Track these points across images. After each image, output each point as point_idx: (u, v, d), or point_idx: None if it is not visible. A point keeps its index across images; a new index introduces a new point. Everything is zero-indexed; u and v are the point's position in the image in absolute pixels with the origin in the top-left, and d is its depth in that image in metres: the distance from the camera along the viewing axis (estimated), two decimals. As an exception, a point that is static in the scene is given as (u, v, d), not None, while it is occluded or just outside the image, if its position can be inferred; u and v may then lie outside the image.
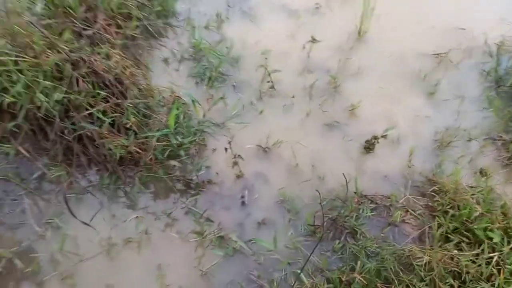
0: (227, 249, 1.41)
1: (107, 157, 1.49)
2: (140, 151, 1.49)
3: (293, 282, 1.35)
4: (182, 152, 1.54)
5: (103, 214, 1.45)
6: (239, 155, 1.63)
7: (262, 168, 1.64)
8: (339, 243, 1.46)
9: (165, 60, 1.93)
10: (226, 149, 1.64)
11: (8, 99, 1.41)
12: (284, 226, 1.49)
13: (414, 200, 1.59)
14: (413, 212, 1.55)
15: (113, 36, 1.75)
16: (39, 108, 1.44)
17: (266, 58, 1.95)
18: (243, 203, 1.53)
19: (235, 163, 1.62)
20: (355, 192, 1.59)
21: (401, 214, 1.55)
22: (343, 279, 1.32)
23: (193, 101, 1.67)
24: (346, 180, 1.45)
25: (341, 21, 2.20)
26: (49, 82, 1.45)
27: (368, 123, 1.82)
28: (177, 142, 1.53)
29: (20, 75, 1.42)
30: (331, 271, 1.38)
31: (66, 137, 1.48)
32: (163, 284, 1.33)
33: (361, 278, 1.30)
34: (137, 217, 1.44)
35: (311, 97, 1.91)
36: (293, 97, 1.89)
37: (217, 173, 1.60)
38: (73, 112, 1.49)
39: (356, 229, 1.48)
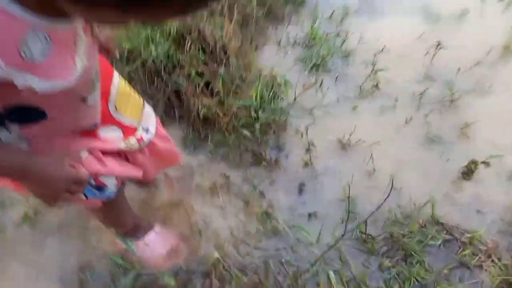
0: (267, 225, 1.38)
1: (193, 115, 1.62)
2: (220, 114, 1.57)
3: (320, 281, 1.25)
4: (257, 125, 1.56)
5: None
6: (313, 143, 1.57)
7: (335, 163, 1.55)
8: (389, 261, 1.28)
9: (278, 42, 1.97)
10: (302, 134, 1.60)
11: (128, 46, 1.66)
12: (335, 225, 1.38)
13: (505, 248, 1.29)
14: (496, 260, 1.26)
15: (233, 11, 1.88)
16: (152, 61, 1.66)
17: (374, 55, 1.82)
18: (301, 190, 1.48)
19: (308, 150, 1.57)
20: (431, 217, 1.38)
21: (480, 258, 1.27)
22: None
23: (285, 82, 1.68)
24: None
25: (488, 30, 1.90)
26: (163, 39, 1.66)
27: (478, 148, 1.54)
28: (255, 115, 1.57)
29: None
30: (367, 287, 1.23)
31: (166, 90, 1.67)
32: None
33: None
34: (202, 171, 1.52)
35: (419, 105, 1.71)
36: (396, 100, 1.72)
37: (287, 156, 1.57)
38: (177, 68, 1.67)
39: (415, 255, 1.28)
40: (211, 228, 1.39)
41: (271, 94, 1.66)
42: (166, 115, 1.69)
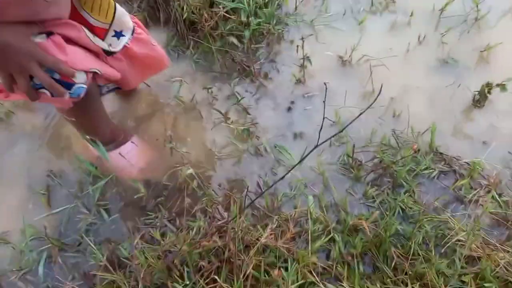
0: (248, 144, 1.27)
1: (177, 16, 1.44)
2: (207, 16, 1.39)
3: (297, 204, 1.15)
4: (247, 33, 1.38)
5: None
6: (309, 58, 1.39)
7: (331, 81, 1.38)
8: (375, 190, 1.17)
9: None
10: (298, 47, 1.42)
11: None
12: (322, 148, 1.25)
13: (509, 184, 1.15)
14: (497, 196, 1.13)
15: None
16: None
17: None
18: (289, 109, 1.34)
19: (302, 66, 1.40)
20: (429, 146, 1.23)
21: (478, 192, 1.14)
22: (351, 222, 1.06)
23: (285, -15, 1.47)
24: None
25: None
26: None
27: (497, 73, 1.33)
28: (245, 20, 1.38)
29: None
30: (347, 214, 1.13)
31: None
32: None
33: (367, 226, 1.02)
34: (181, 80, 1.38)
35: (437, 23, 1.49)
36: (411, 15, 1.50)
37: (278, 71, 1.41)
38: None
39: (405, 184, 1.16)
40: (187, 143, 1.29)
41: (270, 1, 1.46)
42: (150, 18, 1.52)
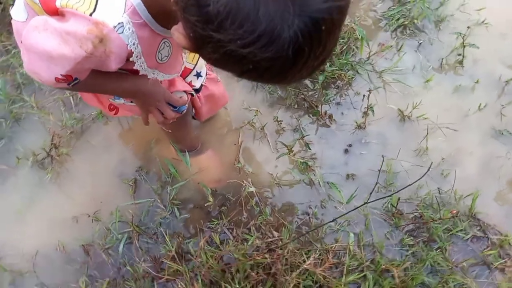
0: (305, 176, 1.46)
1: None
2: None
3: (339, 237, 1.33)
4: (321, 77, 1.57)
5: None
6: (372, 108, 1.55)
7: (388, 133, 1.53)
8: (411, 240, 1.31)
9: (369, -7, 1.86)
10: (364, 96, 1.58)
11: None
12: (368, 192, 1.41)
13: (538, 260, 1.25)
14: (522, 269, 1.24)
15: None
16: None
17: (469, 27, 1.66)
18: (346, 151, 1.51)
19: (365, 114, 1.56)
20: (469, 210, 1.35)
21: (505, 262, 1.25)
22: (383, 266, 1.22)
23: (362, 37, 1.63)
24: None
25: None
26: None
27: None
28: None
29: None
30: (382, 256, 1.29)
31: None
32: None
33: (397, 273, 1.18)
34: (257, 110, 1.59)
35: (500, 93, 1.58)
36: (476, 82, 1.60)
37: (342, 113, 1.58)
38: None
39: (439, 241, 1.30)
40: (253, 165, 1.50)
41: (344, 47, 1.63)
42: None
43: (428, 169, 0.98)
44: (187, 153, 1.42)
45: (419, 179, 1.01)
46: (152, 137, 1.57)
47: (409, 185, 0.99)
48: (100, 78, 0.80)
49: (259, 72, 0.50)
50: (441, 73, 1.64)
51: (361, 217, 1.38)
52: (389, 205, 1.38)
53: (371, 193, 1.02)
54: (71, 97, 1.69)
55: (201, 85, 1.20)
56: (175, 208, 1.43)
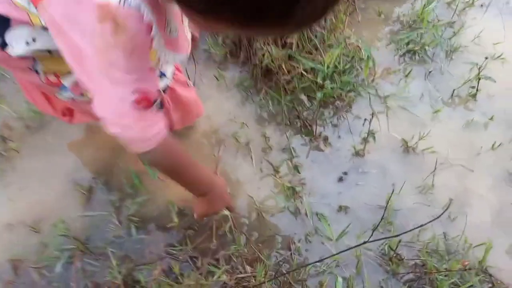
0: (290, 203, 1.24)
1: (256, 60, 1.47)
2: (284, 69, 1.41)
3: (325, 282, 1.09)
4: (319, 94, 1.38)
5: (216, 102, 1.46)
6: (373, 134, 1.36)
7: (389, 164, 1.33)
8: (410, 292, 1.09)
9: (378, 13, 1.71)
10: (365, 120, 1.39)
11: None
12: (364, 230, 1.20)
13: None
14: None
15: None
16: None
17: (486, 58, 1.52)
18: (340, 179, 1.30)
19: (365, 140, 1.37)
20: (479, 262, 1.14)
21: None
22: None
23: (368, 57, 1.46)
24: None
25: None
26: None
27: None
28: (320, 82, 1.38)
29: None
30: (374, 310, 1.05)
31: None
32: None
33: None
34: (243, 123, 1.39)
35: (517, 133, 1.41)
36: (491, 119, 1.43)
37: (339, 137, 1.39)
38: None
39: (444, 295, 1.07)
40: (232, 184, 1.28)
41: (347, 65, 1.46)
42: (230, 54, 1.56)
43: (443, 212, 0.77)
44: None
45: (431, 221, 0.80)
46: (118, 143, 1.34)
47: (418, 227, 0.77)
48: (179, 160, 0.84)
49: (262, 13, 0.44)
50: (451, 105, 1.47)
51: (352, 259, 1.15)
52: (386, 247, 1.16)
53: (373, 231, 0.81)
54: (33, 87, 1.47)
55: (167, 86, 1.00)
56: (132, 226, 1.20)
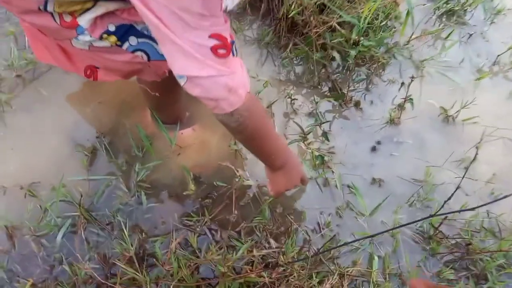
0: (319, 175, 1.11)
1: (281, 13, 1.30)
2: (313, 22, 1.24)
3: (358, 260, 0.99)
4: (352, 52, 1.23)
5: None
6: (410, 99, 1.22)
7: (428, 134, 1.21)
8: (452, 274, 0.99)
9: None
10: (402, 84, 1.25)
11: None
12: (399, 205, 1.09)
13: None
14: None
15: None
16: None
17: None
18: (373, 149, 1.17)
19: (401, 107, 1.23)
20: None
21: None
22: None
23: (408, 13, 1.30)
24: None
25: None
26: None
27: None
28: (356, 38, 1.23)
29: None
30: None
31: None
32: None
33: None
34: (266, 81, 1.24)
35: None
36: (538, 87, 1.31)
37: (372, 102, 1.25)
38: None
39: (489, 279, 0.98)
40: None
41: (384, 22, 1.30)
42: (250, 6, 1.39)
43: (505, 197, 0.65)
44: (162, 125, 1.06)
45: (485, 204, 0.68)
46: (125, 98, 1.19)
47: (468, 209, 0.64)
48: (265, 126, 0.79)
49: None
50: (494, 73, 1.33)
51: (387, 236, 1.04)
52: (424, 225, 1.05)
53: (421, 220, 0.68)
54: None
55: None
56: (142, 193, 1.06)
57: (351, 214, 1.07)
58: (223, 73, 0.63)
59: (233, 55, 0.65)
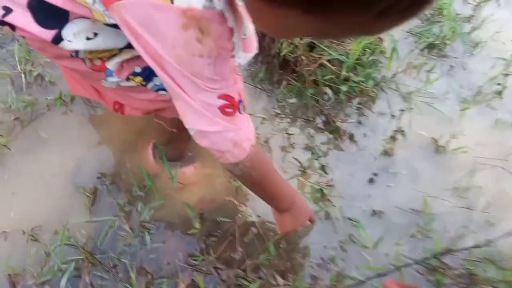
0: (320, 208, 1.14)
1: (272, 51, 1.36)
2: (304, 59, 1.30)
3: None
4: (343, 87, 1.28)
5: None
6: (402, 131, 1.28)
7: (421, 164, 1.25)
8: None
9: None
10: (393, 116, 1.31)
11: None
12: (400, 236, 1.11)
13: None
14: None
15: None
16: None
17: (513, 55, 1.47)
18: (371, 180, 1.21)
19: (393, 139, 1.28)
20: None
21: None
22: None
23: (393, 49, 1.38)
24: None
25: None
26: None
27: None
28: (346, 74, 1.28)
29: None
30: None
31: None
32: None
33: None
34: (263, 117, 1.28)
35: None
36: (518, 117, 1.38)
37: (364, 135, 1.30)
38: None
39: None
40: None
41: (371, 58, 1.36)
42: (244, 44, 1.44)
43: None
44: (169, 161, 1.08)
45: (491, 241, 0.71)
46: (126, 137, 1.20)
47: (484, 245, 0.67)
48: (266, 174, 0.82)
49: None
50: (477, 103, 1.40)
51: (391, 268, 1.06)
52: (428, 255, 1.08)
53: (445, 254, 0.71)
54: (22, 75, 1.30)
55: None
56: (146, 233, 1.06)
57: (354, 247, 1.09)
58: (229, 129, 0.68)
59: (240, 112, 0.69)
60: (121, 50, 0.72)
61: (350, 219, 1.12)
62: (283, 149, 1.26)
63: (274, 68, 1.38)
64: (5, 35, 1.42)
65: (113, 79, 0.76)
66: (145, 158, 1.16)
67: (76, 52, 0.71)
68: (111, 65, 0.73)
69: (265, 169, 0.81)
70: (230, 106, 0.66)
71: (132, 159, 1.17)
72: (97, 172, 1.16)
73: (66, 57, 0.73)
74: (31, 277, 0.98)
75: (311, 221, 1.00)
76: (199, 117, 0.65)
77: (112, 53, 0.72)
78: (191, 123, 0.67)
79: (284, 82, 1.34)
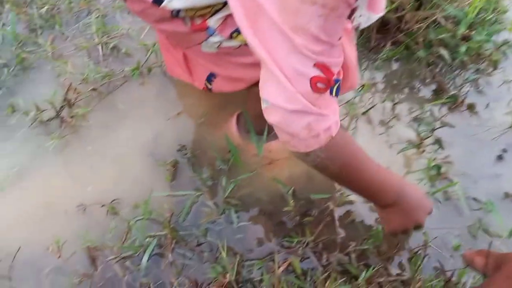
0: (437, 189, 0.94)
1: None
2: (411, 17, 1.11)
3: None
4: (462, 48, 1.07)
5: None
6: (537, 101, 1.04)
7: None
8: None
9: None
10: (523, 83, 1.08)
11: None
12: (544, 224, 0.88)
13: None
14: None
15: None
16: None
17: None
18: (500, 157, 0.99)
19: (526, 108, 1.05)
20: None
21: None
22: None
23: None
24: None
25: None
26: None
27: None
28: (466, 32, 1.07)
29: None
30: None
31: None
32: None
33: None
34: (363, 85, 1.11)
35: None
36: None
37: (487, 105, 1.08)
38: None
39: None
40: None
41: (491, 16, 1.14)
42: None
43: None
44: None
45: None
46: (205, 110, 1.09)
47: None
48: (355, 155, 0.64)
49: None
50: None
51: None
52: None
53: None
54: (99, 46, 1.25)
55: None
56: (232, 211, 0.93)
57: (483, 234, 0.88)
58: (310, 110, 0.54)
59: (331, 94, 0.55)
60: (225, 4, 0.65)
61: (475, 200, 0.91)
62: (384, 122, 1.08)
63: (371, 31, 1.20)
64: (81, 9, 1.38)
65: (215, 38, 0.69)
66: (228, 130, 1.04)
67: (178, 11, 0.67)
68: (213, 22, 0.67)
69: (350, 159, 0.63)
70: (324, 81, 0.53)
71: (213, 131, 1.05)
72: (177, 144, 1.05)
73: (166, 19, 0.69)
74: (111, 252, 0.88)
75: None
76: (279, 91, 0.53)
77: (215, 8, 0.66)
78: (268, 94, 0.55)
79: (386, 46, 1.15)
